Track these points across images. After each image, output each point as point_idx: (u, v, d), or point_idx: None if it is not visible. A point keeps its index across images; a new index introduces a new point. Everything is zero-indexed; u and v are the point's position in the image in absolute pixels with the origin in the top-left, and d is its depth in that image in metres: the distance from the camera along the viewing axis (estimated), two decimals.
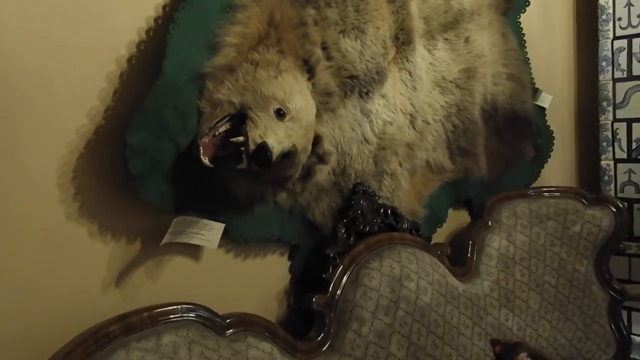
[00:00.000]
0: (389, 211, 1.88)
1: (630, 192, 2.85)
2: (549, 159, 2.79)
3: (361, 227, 1.79)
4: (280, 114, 1.39)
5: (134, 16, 1.35)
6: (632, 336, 2.25)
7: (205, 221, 1.46)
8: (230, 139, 1.33)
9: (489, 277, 2.03)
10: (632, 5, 2.80)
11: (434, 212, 2.16)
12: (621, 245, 2.21)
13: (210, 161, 1.33)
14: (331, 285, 1.63)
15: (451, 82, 2.17)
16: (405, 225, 1.90)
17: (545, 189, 2.34)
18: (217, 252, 1.55)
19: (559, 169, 2.98)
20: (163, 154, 1.33)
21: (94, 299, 1.33)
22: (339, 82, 1.72)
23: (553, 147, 2.82)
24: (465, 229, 2.17)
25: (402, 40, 1.95)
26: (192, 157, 1.35)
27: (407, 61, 1.98)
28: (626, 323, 2.51)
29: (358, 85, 1.77)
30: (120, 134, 1.28)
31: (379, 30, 1.83)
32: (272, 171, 1.39)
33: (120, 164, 1.29)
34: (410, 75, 2.00)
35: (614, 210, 2.21)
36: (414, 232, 1.94)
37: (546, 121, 2.79)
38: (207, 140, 1.33)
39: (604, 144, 2.97)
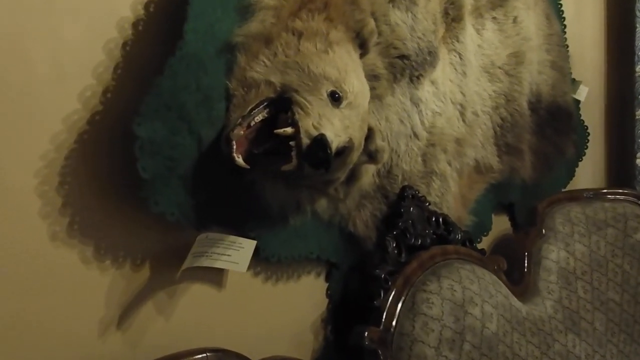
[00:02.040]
0: (440, 219, 1.57)
1: None
2: (583, 157, 2.52)
3: (412, 240, 1.47)
4: (335, 98, 1.06)
5: None
6: None
7: (233, 238, 1.12)
8: (275, 131, 0.99)
9: (551, 295, 1.73)
10: None
11: (480, 219, 1.86)
12: None
13: (244, 160, 1.00)
14: (384, 315, 1.30)
15: (499, 68, 1.86)
16: (458, 236, 1.59)
17: (596, 191, 2.06)
18: (243, 277, 1.21)
19: (589, 168, 2.71)
20: (182, 151, 0.99)
21: (89, 345, 0.99)
22: (387, 63, 1.40)
23: (588, 145, 2.54)
24: (517, 238, 1.87)
25: (453, 16, 1.64)
26: (217, 155, 1.02)
27: (458, 41, 1.67)
28: None
29: (409, 67, 1.45)
30: (123, 124, 0.94)
31: (429, 2, 1.52)
32: (318, 173, 1.07)
33: (124, 164, 0.95)
34: (461, 59, 1.68)
35: None
36: (467, 243, 1.63)
37: (580, 115, 2.51)
38: (242, 133, 0.99)
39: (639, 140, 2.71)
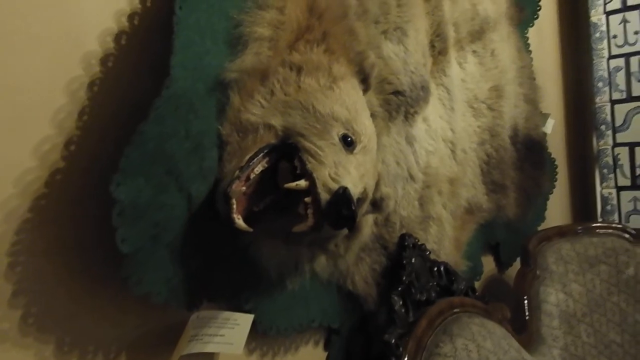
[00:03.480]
0: (442, 269, 1.42)
1: (637, 222, 2.60)
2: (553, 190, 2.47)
3: (417, 295, 1.31)
4: (348, 143, 0.90)
5: None
6: None
7: (227, 314, 0.92)
8: (285, 185, 0.82)
9: (556, 343, 1.61)
10: (628, 22, 2.59)
11: (473, 263, 1.73)
12: None
13: (245, 221, 0.81)
14: None
15: (483, 102, 1.78)
16: (461, 286, 1.45)
17: (585, 226, 1.99)
18: (237, 357, 1.01)
19: (556, 201, 2.68)
20: (169, 213, 0.79)
21: None
22: (382, 100, 1.26)
23: (557, 178, 2.51)
24: (515, 283, 1.75)
25: (439, 49, 1.54)
26: (209, 215, 0.83)
27: (445, 75, 1.56)
28: None
29: (404, 104, 1.32)
30: (92, 184, 0.74)
31: (418, 33, 1.41)
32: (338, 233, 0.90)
33: (94, 235, 0.74)
34: (449, 94, 1.58)
35: None
36: (469, 292, 1.49)
37: (547, 148, 2.48)
38: (242, 189, 0.81)
39: (605, 170, 2.72)
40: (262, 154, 0.86)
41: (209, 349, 0.90)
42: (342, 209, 0.78)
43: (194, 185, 0.82)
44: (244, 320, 0.95)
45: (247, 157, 0.85)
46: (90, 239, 0.76)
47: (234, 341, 0.94)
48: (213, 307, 0.90)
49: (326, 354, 1.23)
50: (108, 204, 0.71)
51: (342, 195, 0.78)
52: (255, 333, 1.02)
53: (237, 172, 0.83)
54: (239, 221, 0.80)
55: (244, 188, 0.81)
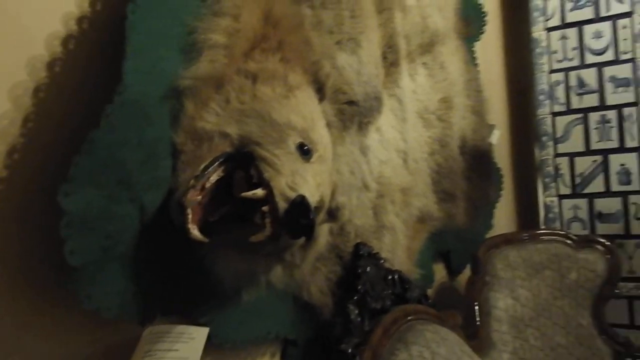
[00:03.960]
0: (396, 277, 1.44)
1: (577, 229, 2.72)
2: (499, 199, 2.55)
3: (373, 303, 1.31)
4: (305, 152, 0.89)
5: None
6: None
7: (181, 328, 0.89)
8: (242, 194, 0.80)
9: (506, 347, 1.66)
10: (567, 38, 2.73)
11: (425, 271, 1.76)
12: (617, 291, 1.98)
13: (200, 231, 0.79)
14: None
15: (433, 113, 1.82)
16: (415, 294, 1.47)
17: (530, 232, 2.06)
18: None
19: (502, 209, 2.77)
20: (121, 224, 0.76)
21: None
22: (336, 110, 1.27)
23: (503, 187, 2.60)
24: (465, 290, 1.79)
25: (391, 60, 1.56)
26: (162, 226, 0.81)
27: (397, 86, 1.59)
28: None
29: (358, 114, 1.33)
30: (37, 194, 0.70)
31: (371, 45, 1.43)
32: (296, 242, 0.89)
33: (41, 247, 0.71)
34: (400, 104, 1.61)
35: (603, 249, 1.99)
36: (422, 300, 1.51)
37: (493, 158, 2.57)
38: (198, 198, 0.79)
39: (547, 180, 2.83)
40: (217, 163, 0.84)
41: None
42: (300, 218, 0.77)
43: (147, 195, 0.80)
44: (199, 334, 0.92)
45: (203, 166, 0.83)
46: (36, 253, 0.72)
47: (189, 355, 0.91)
48: (167, 321, 0.87)
49: None
50: (55, 215, 0.67)
51: (300, 204, 0.78)
52: (211, 346, 0.99)
53: (192, 181, 0.81)
54: (194, 231, 0.78)
55: (199, 197, 0.80)
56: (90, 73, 0.79)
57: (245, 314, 1.06)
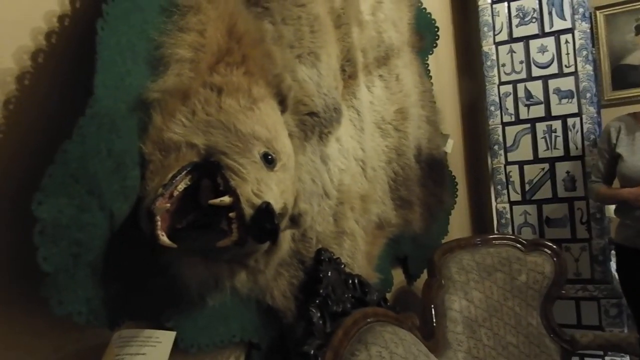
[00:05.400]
0: (356, 281, 1.49)
1: (527, 234, 2.86)
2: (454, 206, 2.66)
3: (334, 307, 1.37)
4: (269, 161, 0.94)
5: None
6: None
7: (149, 332, 0.92)
8: (210, 201, 0.84)
9: (460, 346, 1.73)
10: (514, 52, 2.87)
11: (384, 275, 1.82)
12: (563, 292, 2.10)
13: (168, 238, 0.83)
14: None
15: (389, 123, 1.90)
16: (374, 297, 1.53)
17: (483, 237, 2.16)
18: None
19: (456, 215, 2.88)
20: (91, 232, 0.79)
21: None
22: (298, 121, 1.32)
23: (457, 194, 2.70)
24: (423, 292, 1.86)
25: (349, 73, 1.63)
26: (131, 234, 0.84)
27: (355, 98, 1.66)
28: None
29: (318, 124, 1.39)
30: (7, 202, 0.72)
31: (330, 58, 1.49)
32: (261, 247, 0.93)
33: (10, 254, 0.72)
34: (359, 115, 1.67)
35: (550, 253, 2.10)
36: (382, 303, 1.57)
37: (448, 167, 2.67)
38: (167, 205, 0.83)
39: (499, 187, 2.96)
40: (185, 172, 0.88)
41: None
42: (265, 223, 0.82)
43: (116, 204, 0.83)
44: (166, 338, 0.95)
45: (171, 175, 0.87)
46: (3, 259, 0.74)
47: (156, 359, 0.94)
48: (135, 325, 0.90)
49: None
50: (19, 224, 0.70)
51: (265, 210, 0.82)
52: (177, 350, 1.02)
53: (160, 189, 0.84)
54: (164, 238, 0.82)
55: (168, 205, 0.83)
56: (59, 87, 0.81)
57: (211, 319, 1.09)
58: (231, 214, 0.83)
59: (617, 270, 2.33)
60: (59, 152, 0.71)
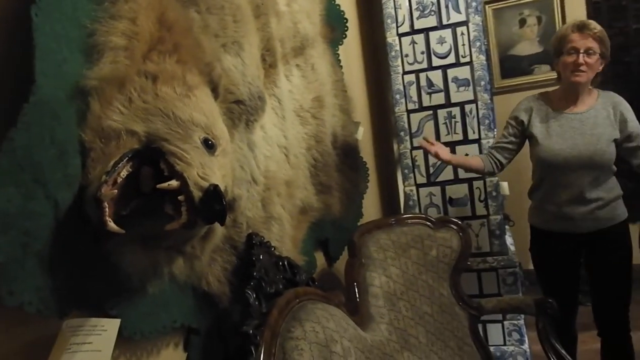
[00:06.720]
0: (286, 263, 1.55)
1: (433, 213, 3.05)
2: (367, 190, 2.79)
3: (268, 288, 1.42)
4: (209, 146, 0.97)
5: None
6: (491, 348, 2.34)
7: (94, 321, 0.92)
8: (158, 186, 0.86)
9: (382, 319, 1.85)
10: (416, 43, 3.05)
11: (309, 257, 1.90)
12: (468, 263, 2.29)
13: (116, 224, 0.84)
14: None
15: (307, 111, 1.96)
16: (303, 277, 1.60)
17: (397, 218, 2.30)
18: None
19: (369, 198, 3.02)
20: (38, 221, 0.78)
21: None
22: (225, 108, 1.35)
23: (369, 179, 2.84)
24: (345, 271, 1.96)
25: (269, 62, 1.68)
26: (74, 222, 0.84)
27: (276, 86, 1.71)
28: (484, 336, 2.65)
29: (245, 112, 1.42)
30: None
31: (252, 47, 1.53)
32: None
33: None
34: (280, 103, 1.72)
35: (456, 228, 2.28)
36: (310, 283, 1.64)
37: (360, 152, 2.80)
38: (114, 192, 0.83)
39: (406, 171, 3.13)
40: (126, 159, 0.89)
41: (78, 358, 0.89)
42: (214, 204, 0.85)
43: (60, 192, 0.82)
44: (111, 326, 0.95)
45: (113, 162, 0.87)
46: None
47: (102, 347, 0.94)
48: (82, 314, 0.90)
49: (186, 354, 1.26)
50: None
51: (213, 192, 0.86)
52: (122, 338, 1.02)
53: (104, 176, 0.85)
54: (112, 224, 0.82)
55: (115, 192, 0.84)
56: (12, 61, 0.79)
57: (152, 306, 1.10)
58: (180, 197, 0.85)
59: (530, 249, 2.45)
60: (6, 140, 0.70)
